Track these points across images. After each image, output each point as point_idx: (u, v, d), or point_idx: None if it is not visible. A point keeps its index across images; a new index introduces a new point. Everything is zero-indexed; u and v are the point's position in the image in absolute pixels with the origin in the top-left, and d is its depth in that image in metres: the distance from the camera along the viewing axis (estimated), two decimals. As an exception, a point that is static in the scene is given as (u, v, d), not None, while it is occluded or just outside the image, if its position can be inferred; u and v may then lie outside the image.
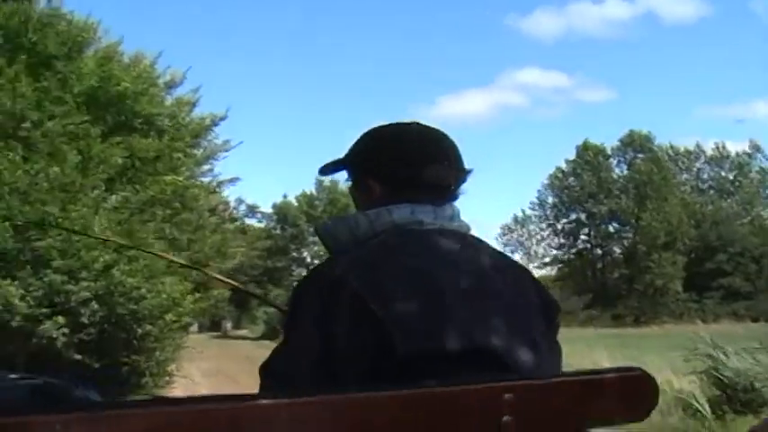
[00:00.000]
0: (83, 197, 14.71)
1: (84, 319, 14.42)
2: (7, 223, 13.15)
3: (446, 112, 73.97)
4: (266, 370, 1.45)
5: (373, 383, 1.31)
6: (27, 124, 14.74)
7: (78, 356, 14.28)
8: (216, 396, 0.98)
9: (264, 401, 1.03)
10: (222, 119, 20.50)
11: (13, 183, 13.66)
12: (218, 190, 21.61)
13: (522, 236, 64.47)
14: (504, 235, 64.35)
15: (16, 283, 13.79)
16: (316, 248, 50.62)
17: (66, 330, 14.07)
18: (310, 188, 54.33)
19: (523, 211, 64.93)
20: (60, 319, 14.06)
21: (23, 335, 13.82)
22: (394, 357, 1.34)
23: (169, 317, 16.20)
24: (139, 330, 15.80)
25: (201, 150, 20.67)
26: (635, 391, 1.35)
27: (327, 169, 1.75)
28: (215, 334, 44.95)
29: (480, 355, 1.40)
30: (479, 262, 1.55)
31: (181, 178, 18.80)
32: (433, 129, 1.69)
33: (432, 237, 1.54)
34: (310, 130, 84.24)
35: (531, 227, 64.44)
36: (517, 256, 52.04)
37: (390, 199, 1.59)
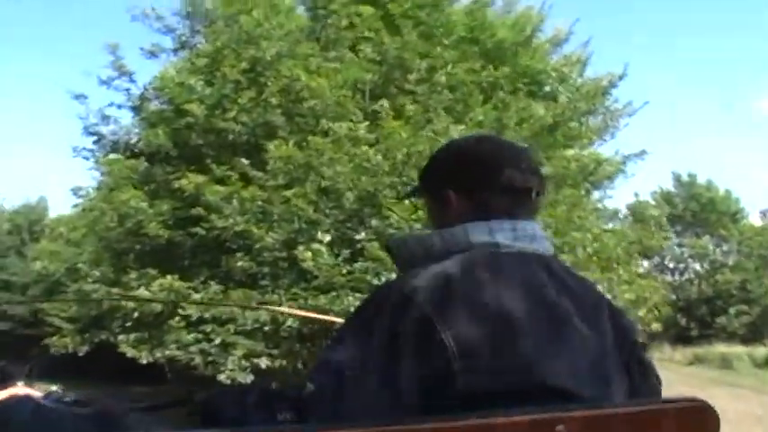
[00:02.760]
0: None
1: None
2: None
3: None
4: (325, 365, 1.31)
5: (428, 409, 1.23)
6: (414, 75, 10.72)
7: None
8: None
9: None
10: (621, 78, 15.15)
11: (413, 145, 9.58)
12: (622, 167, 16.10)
13: None
14: None
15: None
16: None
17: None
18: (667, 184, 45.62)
19: None
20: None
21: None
22: (454, 389, 1.25)
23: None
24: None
25: (600, 117, 15.38)
26: (695, 423, 1.26)
27: (411, 194, 1.90)
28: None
29: (545, 393, 1.28)
30: (555, 291, 1.40)
31: (585, 152, 13.84)
32: (508, 139, 1.68)
33: (508, 262, 1.40)
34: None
35: None
36: None
37: (467, 211, 1.46)
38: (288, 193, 9.81)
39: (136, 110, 12.59)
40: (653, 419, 1.24)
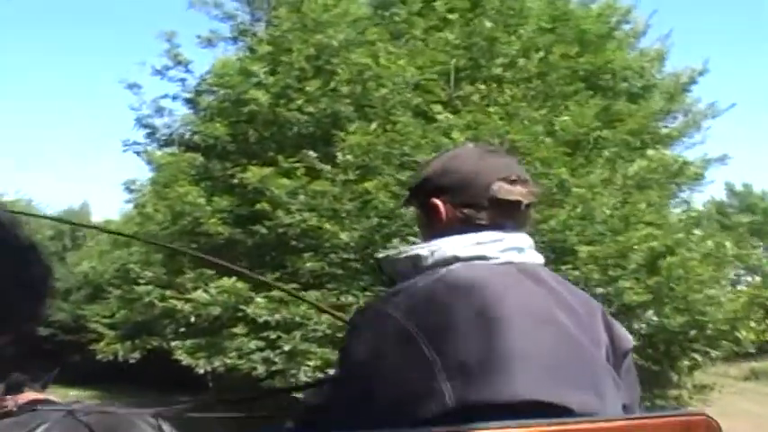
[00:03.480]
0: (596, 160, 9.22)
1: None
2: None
3: None
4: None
5: (413, 424, 1.22)
6: (500, 60, 9.72)
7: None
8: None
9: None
10: (701, 74, 14.02)
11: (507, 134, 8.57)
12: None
13: None
14: None
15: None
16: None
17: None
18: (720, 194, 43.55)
19: None
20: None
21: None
22: (443, 405, 1.23)
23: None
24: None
25: (681, 118, 14.29)
26: None
27: (403, 204, 1.81)
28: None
29: (535, 407, 1.24)
30: (545, 303, 1.38)
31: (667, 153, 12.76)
32: (502, 150, 1.68)
33: (496, 274, 1.38)
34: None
35: None
36: None
37: (456, 222, 1.45)
38: (368, 185, 8.81)
39: (191, 102, 11.73)
40: (652, 430, 1.23)
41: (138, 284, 10.69)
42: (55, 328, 26.33)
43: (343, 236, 8.91)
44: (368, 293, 8.54)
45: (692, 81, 13.99)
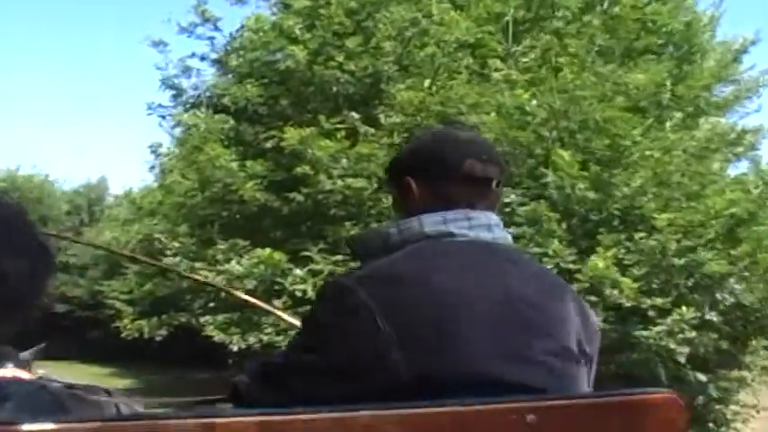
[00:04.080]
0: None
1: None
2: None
3: None
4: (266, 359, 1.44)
5: (368, 396, 1.18)
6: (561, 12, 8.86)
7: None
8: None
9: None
10: (753, 43, 13.05)
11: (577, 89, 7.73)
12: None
13: None
14: None
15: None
16: None
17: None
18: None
19: None
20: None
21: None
22: (397, 379, 1.23)
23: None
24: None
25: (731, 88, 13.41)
26: (664, 415, 1.23)
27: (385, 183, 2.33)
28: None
29: (489, 383, 1.24)
30: (509, 281, 1.37)
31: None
32: (474, 131, 1.81)
33: (461, 251, 1.39)
34: None
35: None
36: None
37: (427, 200, 1.45)
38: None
39: (219, 63, 10.91)
40: (623, 409, 1.23)
41: (165, 255, 9.93)
42: (72, 305, 25.80)
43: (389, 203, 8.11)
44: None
45: (744, 50, 13.15)
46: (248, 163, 9.36)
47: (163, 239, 10.12)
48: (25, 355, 1.80)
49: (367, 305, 1.25)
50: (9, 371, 1.69)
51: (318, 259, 8.64)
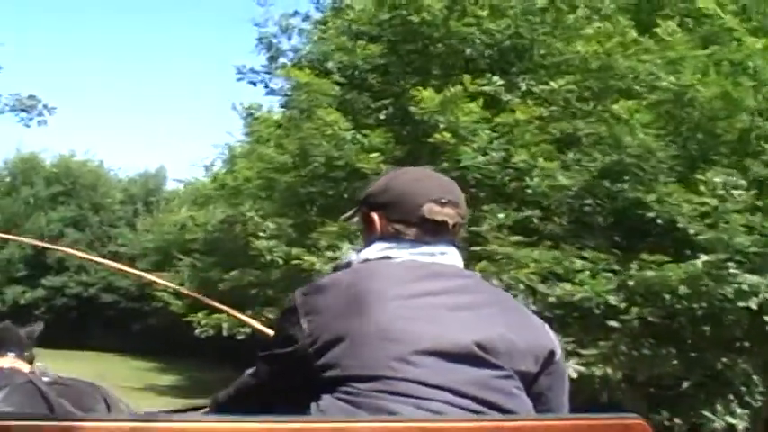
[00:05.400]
0: None
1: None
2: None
3: None
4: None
5: (287, 391, 1.40)
6: None
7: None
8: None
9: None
10: None
11: None
12: None
13: None
14: None
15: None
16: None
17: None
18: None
19: None
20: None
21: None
22: (310, 372, 1.36)
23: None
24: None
25: None
26: None
27: (350, 216, 1.76)
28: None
29: (385, 383, 1.32)
30: (428, 289, 1.44)
31: None
32: (441, 175, 1.71)
33: (386, 266, 1.49)
34: None
35: None
36: None
37: (386, 234, 1.55)
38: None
39: (324, 24, 9.44)
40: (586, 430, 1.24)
41: (258, 238, 8.42)
42: (118, 295, 24.63)
43: (563, 179, 6.54)
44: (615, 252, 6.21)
45: None
46: (363, 134, 7.83)
47: (256, 219, 8.60)
48: (24, 336, 2.16)
49: (296, 306, 1.42)
50: (8, 360, 2.03)
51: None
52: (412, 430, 1.13)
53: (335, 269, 1.58)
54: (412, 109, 7.48)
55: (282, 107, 8.88)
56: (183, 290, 7.25)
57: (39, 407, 1.74)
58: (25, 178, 27.05)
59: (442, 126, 7.35)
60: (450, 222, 1.52)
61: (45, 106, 19.74)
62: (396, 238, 1.51)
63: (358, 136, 7.83)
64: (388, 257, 1.48)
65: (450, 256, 1.52)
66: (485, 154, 7.10)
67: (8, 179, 27.79)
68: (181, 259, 18.59)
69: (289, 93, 8.74)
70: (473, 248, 6.57)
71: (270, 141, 8.70)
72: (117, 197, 26.75)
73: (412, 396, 1.29)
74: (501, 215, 6.78)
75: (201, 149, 45.12)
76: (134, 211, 26.24)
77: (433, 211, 1.51)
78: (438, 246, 1.51)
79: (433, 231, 1.51)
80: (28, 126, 19.94)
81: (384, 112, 8.17)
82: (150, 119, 48.86)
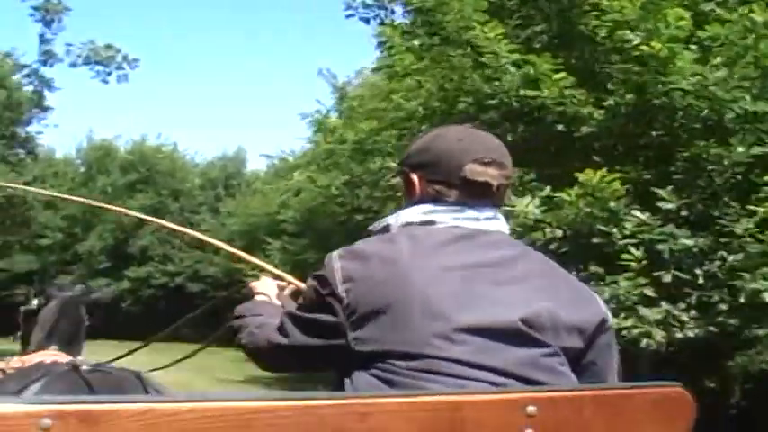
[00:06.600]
0: None
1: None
2: None
3: None
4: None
5: (326, 360, 1.38)
6: None
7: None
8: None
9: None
10: None
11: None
12: None
13: None
14: None
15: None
16: None
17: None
18: None
19: None
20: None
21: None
22: (347, 342, 1.31)
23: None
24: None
25: None
26: (670, 409, 1.20)
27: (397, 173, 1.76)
28: None
29: (425, 362, 1.26)
30: (470, 259, 1.36)
31: None
32: (488, 134, 1.57)
33: (428, 233, 1.40)
34: None
35: None
36: None
37: (426, 195, 1.48)
38: None
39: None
40: (627, 402, 1.20)
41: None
42: (206, 284, 23.69)
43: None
44: None
45: None
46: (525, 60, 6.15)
47: (390, 180, 7.03)
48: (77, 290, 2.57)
49: (327, 279, 1.34)
50: (50, 353, 2.23)
51: (669, 197, 5.45)
52: (441, 404, 1.07)
53: (370, 233, 1.49)
54: (593, 22, 5.82)
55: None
56: (286, 275, 5.91)
57: (84, 391, 1.85)
58: (100, 167, 26.25)
59: (636, 42, 5.70)
60: (494, 184, 1.44)
61: (125, 57, 17.44)
62: (437, 200, 1.44)
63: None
64: (432, 222, 1.41)
65: (495, 221, 1.45)
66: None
67: (82, 169, 27.04)
68: (270, 243, 17.42)
69: (417, 20, 7.03)
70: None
71: (408, 77, 7.01)
72: (196, 182, 25.78)
73: (453, 375, 1.23)
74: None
75: (275, 131, 44.45)
76: (215, 196, 25.21)
77: (474, 171, 1.43)
78: (483, 210, 1.43)
79: (476, 193, 1.43)
80: (106, 82, 17.64)
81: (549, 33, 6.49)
82: (225, 102, 48.53)
